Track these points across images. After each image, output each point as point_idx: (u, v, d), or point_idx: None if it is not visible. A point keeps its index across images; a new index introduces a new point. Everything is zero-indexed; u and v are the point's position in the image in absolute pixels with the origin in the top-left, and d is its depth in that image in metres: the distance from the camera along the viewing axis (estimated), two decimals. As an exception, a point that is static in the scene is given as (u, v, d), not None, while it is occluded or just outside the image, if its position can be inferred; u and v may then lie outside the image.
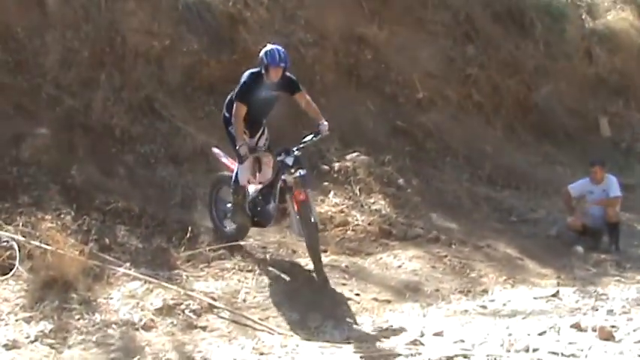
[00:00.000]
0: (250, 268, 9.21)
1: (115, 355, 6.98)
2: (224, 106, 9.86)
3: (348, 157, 12.54)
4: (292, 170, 9.14)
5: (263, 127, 9.86)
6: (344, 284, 9.27)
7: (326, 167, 11.96)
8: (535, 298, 9.38)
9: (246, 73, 9.50)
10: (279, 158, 9.36)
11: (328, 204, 11.38)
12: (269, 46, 9.48)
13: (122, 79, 11.74)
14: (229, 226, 10.17)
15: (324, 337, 7.71)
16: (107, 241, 9.22)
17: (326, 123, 9.63)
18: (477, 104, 16.34)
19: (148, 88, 11.87)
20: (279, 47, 9.50)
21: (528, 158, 16.12)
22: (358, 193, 11.60)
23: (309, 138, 9.66)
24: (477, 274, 10.14)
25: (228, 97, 9.75)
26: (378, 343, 7.53)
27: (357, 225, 10.96)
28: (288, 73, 9.51)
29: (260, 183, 9.88)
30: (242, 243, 9.82)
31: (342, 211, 11.16)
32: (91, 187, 10.07)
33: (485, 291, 9.57)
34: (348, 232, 10.87)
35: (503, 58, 17.11)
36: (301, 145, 9.55)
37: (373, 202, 11.68)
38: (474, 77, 16.38)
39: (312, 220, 9.21)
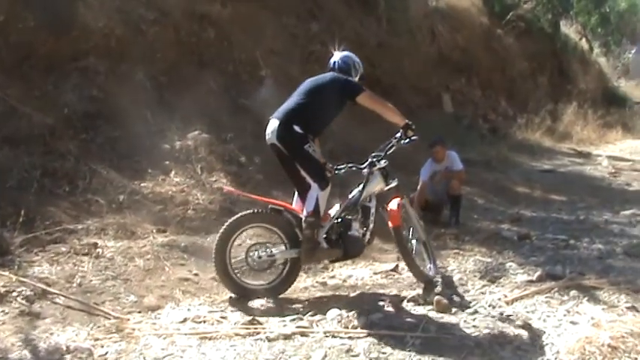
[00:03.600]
0: (87, 251, 8.93)
1: (-61, 348, 6.71)
2: (289, 120, 8.18)
3: (190, 135, 12.45)
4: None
5: None
6: (182, 264, 9.21)
7: (167, 146, 11.82)
8: (375, 273, 9.59)
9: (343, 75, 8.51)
10: (383, 164, 8.70)
11: (169, 183, 11.26)
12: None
13: (-48, 57, 11.26)
14: (254, 281, 8.47)
15: (162, 319, 7.64)
16: None
17: None
18: (319, 81, 16.50)
19: (-18, 67, 11.40)
20: None
21: (371, 134, 16.37)
22: (200, 171, 11.52)
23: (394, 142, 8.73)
24: (317, 252, 10.25)
25: (294, 106, 8.26)
26: (215, 324, 7.50)
27: (198, 204, 10.91)
28: None
29: None
30: (79, 226, 9.58)
31: (182, 191, 11.06)
32: None
33: (324, 268, 9.69)
34: (189, 211, 10.79)
35: (346, 35, 17.30)
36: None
37: (215, 181, 11.65)
38: (317, 54, 16.53)
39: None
